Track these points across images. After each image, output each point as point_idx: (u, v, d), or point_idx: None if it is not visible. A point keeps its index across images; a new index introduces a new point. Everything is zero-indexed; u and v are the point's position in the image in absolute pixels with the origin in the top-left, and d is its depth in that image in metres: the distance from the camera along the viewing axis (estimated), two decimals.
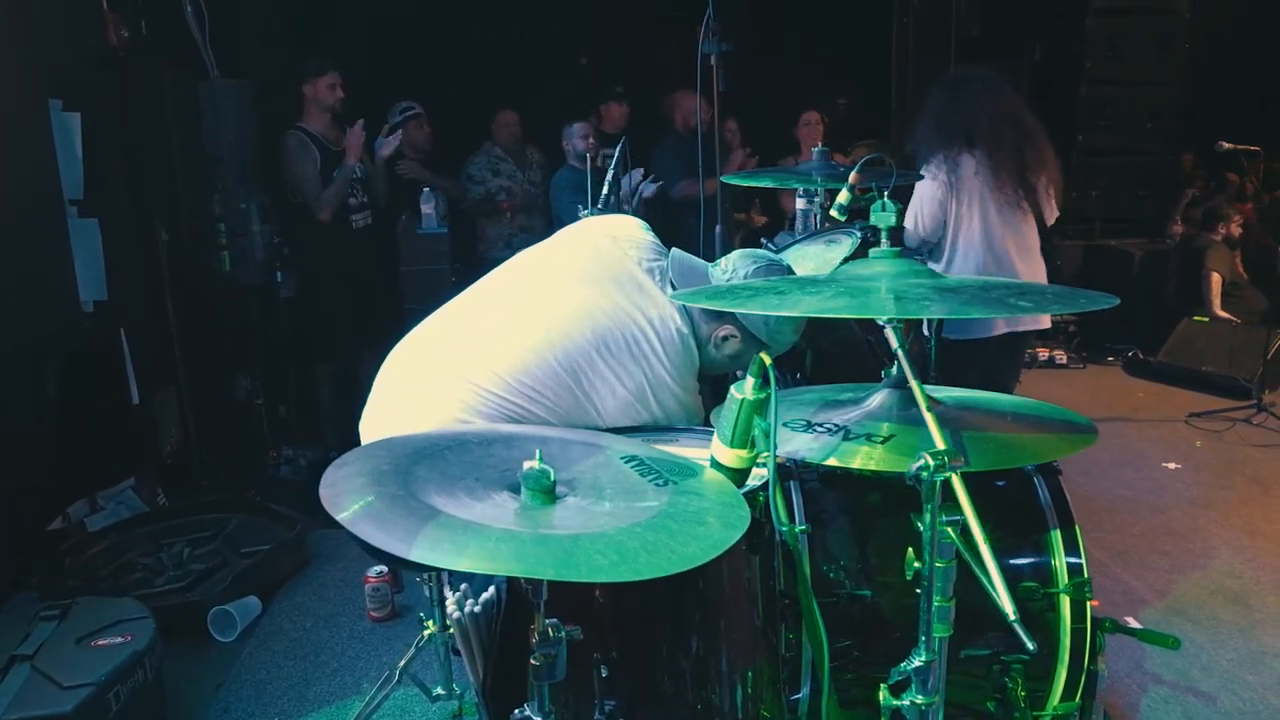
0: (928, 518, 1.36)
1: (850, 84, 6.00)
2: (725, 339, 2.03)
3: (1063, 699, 2.07)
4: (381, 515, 1.20)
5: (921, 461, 1.32)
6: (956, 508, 1.58)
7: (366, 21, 5.52)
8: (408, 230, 5.04)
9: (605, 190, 2.98)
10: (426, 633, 2.39)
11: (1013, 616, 1.24)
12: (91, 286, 3.83)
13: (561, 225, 4.87)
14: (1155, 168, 6.29)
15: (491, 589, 1.80)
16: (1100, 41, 6.08)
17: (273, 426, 5.05)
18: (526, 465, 1.33)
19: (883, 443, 1.63)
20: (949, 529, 1.62)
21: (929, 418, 1.35)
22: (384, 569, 3.14)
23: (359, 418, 4.45)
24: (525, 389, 1.90)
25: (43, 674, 2.36)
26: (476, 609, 1.77)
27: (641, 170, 4.81)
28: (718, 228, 3.07)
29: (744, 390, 1.51)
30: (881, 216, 1.43)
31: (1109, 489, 4.42)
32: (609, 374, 1.91)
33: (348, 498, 1.24)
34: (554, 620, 1.40)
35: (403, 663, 2.39)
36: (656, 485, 1.40)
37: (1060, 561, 2.04)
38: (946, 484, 1.35)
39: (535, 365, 1.90)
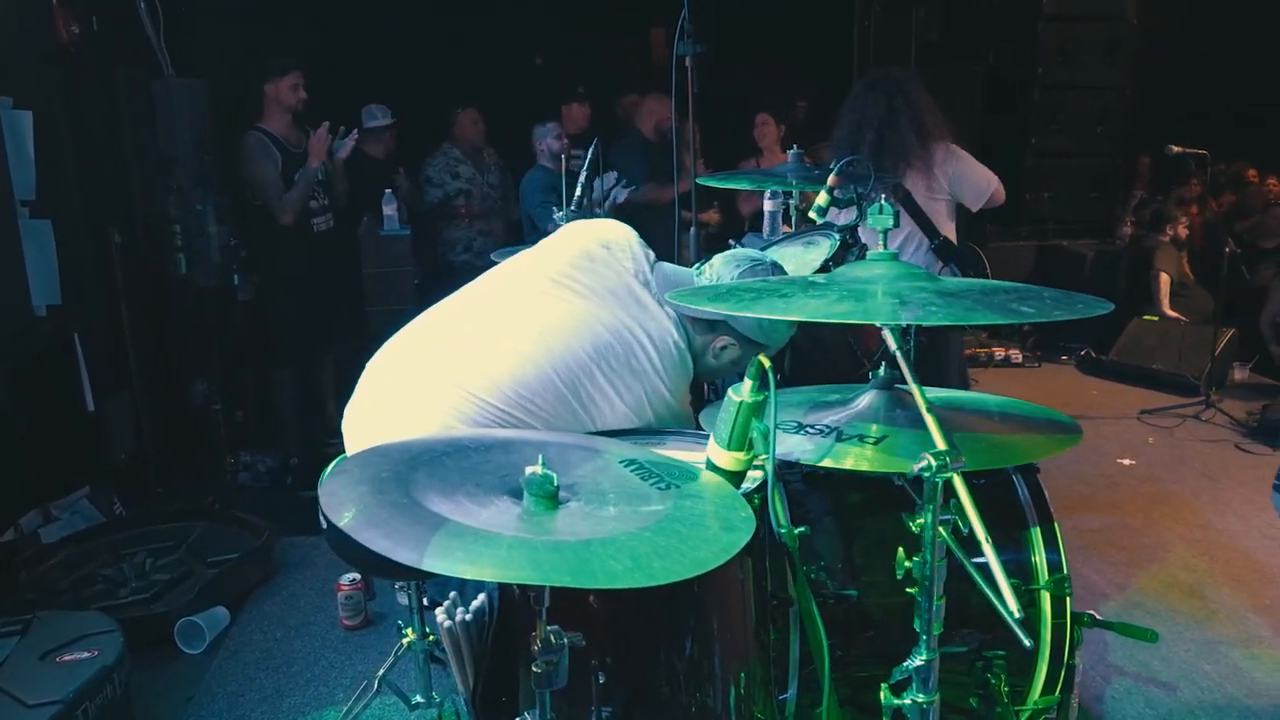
0: (929, 517, 1.37)
1: (810, 86, 6.05)
2: (723, 349, 2.04)
3: (1043, 693, 2.10)
4: (387, 523, 1.17)
5: (924, 462, 1.33)
6: (947, 508, 1.61)
7: (324, 20, 5.44)
8: (370, 232, 4.98)
9: (579, 192, 2.96)
10: (405, 641, 2.35)
11: (1018, 615, 1.25)
12: (44, 290, 3.72)
13: (532, 226, 4.91)
14: (1105, 170, 6.43)
15: (482, 596, 1.77)
16: (1052, 47, 6.21)
17: (230, 432, 4.95)
18: (529, 470, 1.32)
19: (875, 444, 1.65)
20: (941, 528, 1.65)
21: (929, 419, 1.36)
22: (356, 576, 3.09)
23: (320, 422, 4.41)
24: (522, 399, 1.88)
25: (6, 692, 2.28)
26: (467, 617, 1.74)
27: (615, 174, 4.81)
28: (691, 230, 3.07)
29: (741, 393, 1.51)
30: (879, 219, 1.45)
31: (1067, 485, 4.51)
32: (608, 388, 1.91)
33: (351, 505, 1.21)
34: (555, 627, 1.39)
35: (381, 671, 2.35)
36: (659, 489, 1.39)
37: (1040, 558, 2.07)
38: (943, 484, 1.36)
39: (534, 376, 1.88)
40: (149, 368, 4.54)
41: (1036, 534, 2.08)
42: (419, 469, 1.35)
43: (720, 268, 2.05)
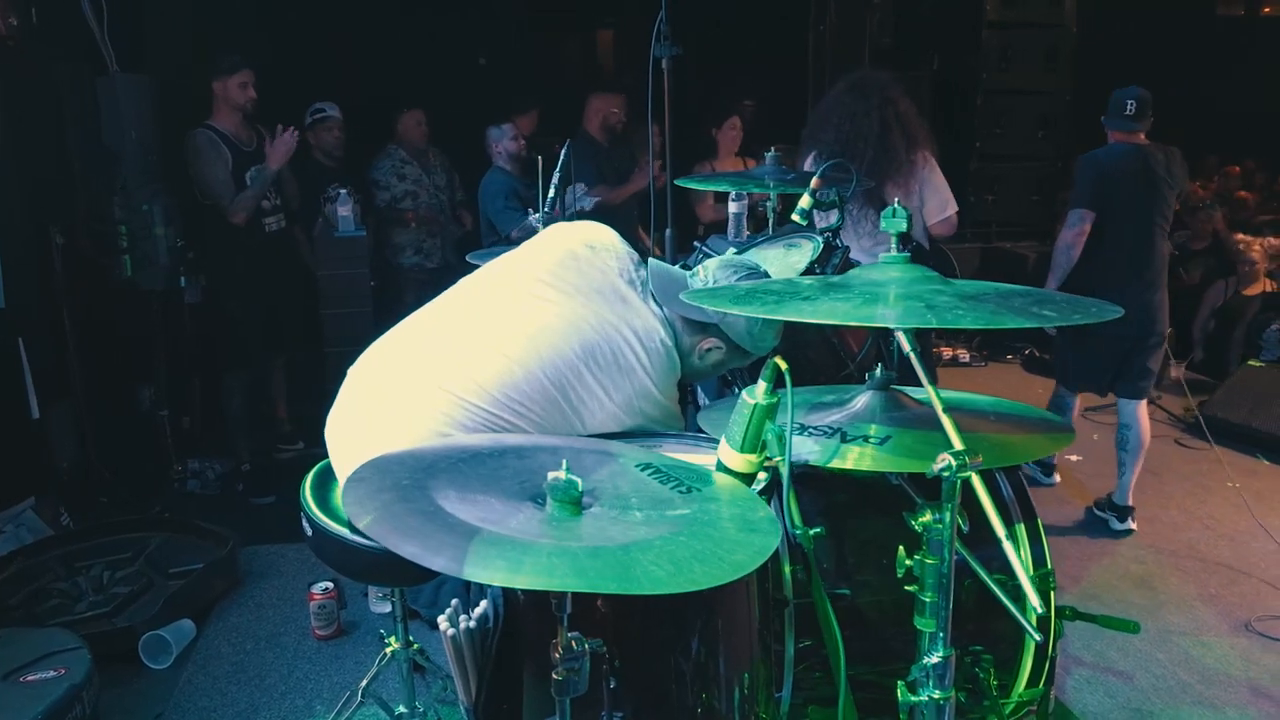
0: (947, 515, 1.39)
1: (765, 87, 6.11)
2: (709, 350, 2.04)
3: (1028, 685, 2.15)
4: (419, 532, 1.15)
5: (944, 461, 1.35)
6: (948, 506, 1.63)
7: (272, 16, 5.33)
8: (325, 233, 4.88)
9: (551, 194, 2.94)
10: (389, 650, 2.30)
11: (1040, 610, 1.28)
12: None
13: (492, 229, 4.85)
14: (1046, 173, 6.61)
15: (484, 603, 1.75)
16: (994, 54, 6.38)
17: (177, 439, 4.81)
18: (552, 476, 1.31)
19: (880, 444, 1.66)
20: (940, 526, 1.67)
21: (945, 420, 1.38)
22: (329, 585, 3.02)
23: (272, 428, 4.31)
24: (511, 402, 1.86)
25: None
26: (471, 624, 1.72)
27: (582, 185, 4.80)
28: (668, 230, 3.07)
29: (756, 395, 1.51)
30: (892, 222, 1.46)
31: None
32: (597, 388, 1.89)
33: (371, 511, 1.18)
34: (576, 634, 1.38)
35: (365, 682, 2.30)
36: (680, 493, 1.39)
37: (1026, 553, 2.13)
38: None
39: (522, 379, 1.86)
40: (92, 373, 4.39)
41: (1021, 530, 2.13)
42: (439, 476, 1.33)
43: (715, 272, 2.05)
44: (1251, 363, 5.40)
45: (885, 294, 1.36)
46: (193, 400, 5.10)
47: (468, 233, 5.55)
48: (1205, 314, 6.33)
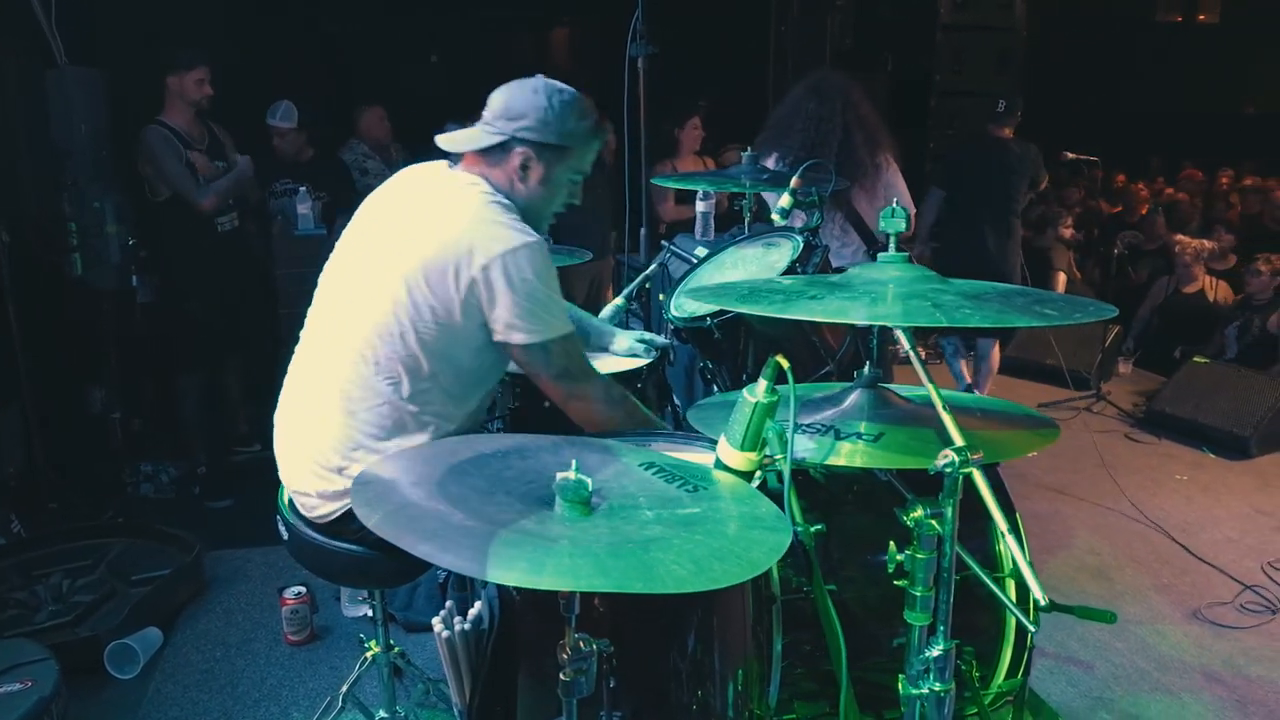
0: (948, 511, 1.41)
1: (726, 87, 6.14)
2: (523, 166, 1.99)
3: (1007, 676, 2.20)
4: (437, 535, 1.14)
5: (948, 457, 1.37)
6: (936, 501, 1.66)
7: (228, 9, 5.22)
8: (284, 232, 4.79)
9: None
10: (370, 654, 2.27)
11: (1044, 603, 1.30)
12: None
13: None
14: None
15: (478, 605, 1.74)
16: (947, 56, 6.49)
17: (130, 442, 4.69)
18: (561, 476, 1.30)
19: (874, 441, 1.68)
20: (933, 521, 1.70)
21: (946, 417, 1.41)
22: (302, 589, 2.96)
23: (229, 429, 4.27)
24: (398, 354, 1.88)
25: None
26: (465, 626, 1.70)
27: None
28: (642, 229, 3.07)
29: (756, 394, 1.52)
30: (891, 222, 1.48)
31: None
32: (468, 307, 1.89)
33: (395, 515, 1.17)
34: (584, 634, 1.37)
35: (345, 687, 2.27)
36: (688, 491, 1.40)
37: (1004, 547, 2.17)
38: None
39: (393, 327, 1.88)
40: (41, 375, 4.25)
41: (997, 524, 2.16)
42: (446, 477, 1.32)
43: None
44: (1197, 359, 5.57)
45: (891, 293, 1.38)
46: (145, 402, 4.97)
47: None
48: (1146, 311, 6.52)
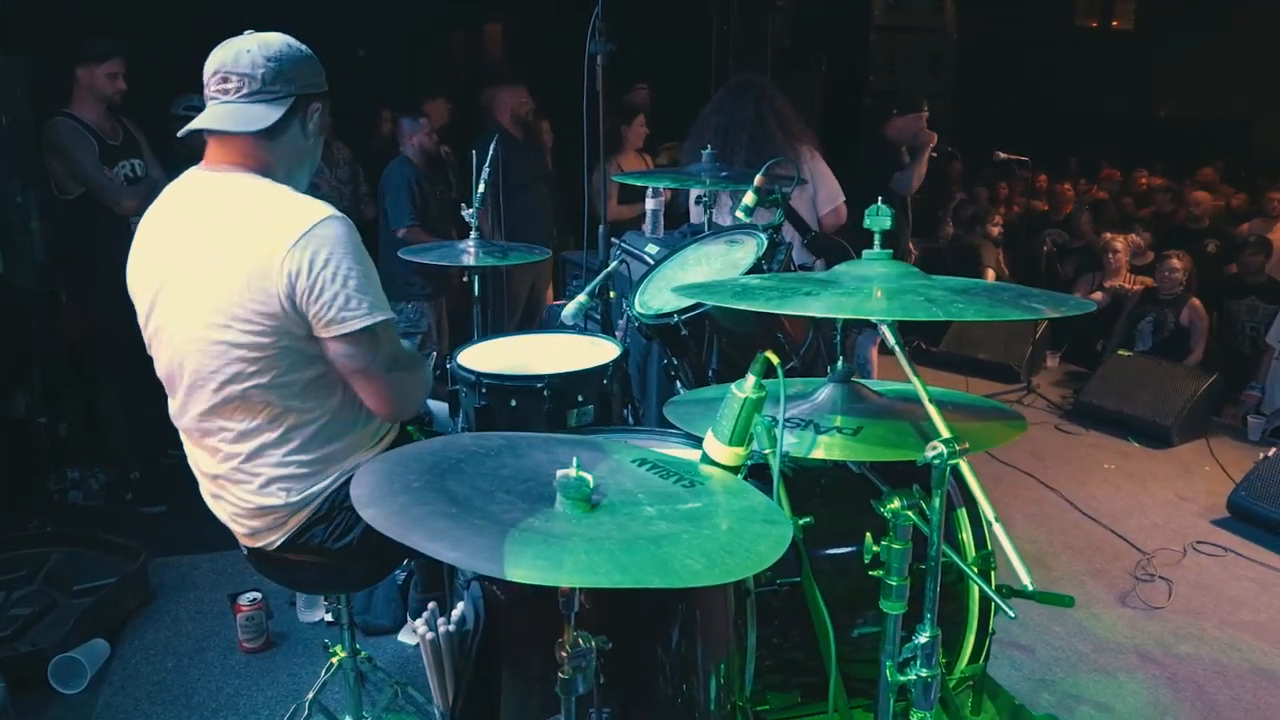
0: (938, 501, 1.45)
1: (668, 85, 6.15)
2: (315, 119, 1.94)
3: (969, 662, 2.26)
4: (448, 535, 1.12)
5: (936, 449, 1.40)
6: (911, 493, 1.70)
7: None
8: None
9: (481, 189, 2.89)
10: (335, 660, 2.23)
11: (1031, 588, 1.35)
12: None
13: (389, 220, 4.74)
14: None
15: (461, 606, 1.72)
16: (881, 57, 6.61)
17: (55, 447, 4.50)
18: (562, 474, 1.30)
19: (853, 434, 1.71)
20: (909, 512, 1.74)
21: (932, 409, 1.44)
22: (257, 595, 2.88)
23: (160, 432, 4.13)
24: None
25: None
26: (450, 628, 1.69)
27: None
28: (601, 227, 3.07)
29: (745, 389, 1.54)
30: (876, 220, 1.51)
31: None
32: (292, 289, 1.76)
33: (402, 516, 1.15)
34: (583, 631, 1.37)
35: (311, 694, 2.22)
36: (685, 487, 1.40)
37: (968, 535, 2.22)
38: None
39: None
40: None
41: (963, 514, 2.22)
42: (446, 476, 1.30)
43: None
44: (1121, 352, 5.79)
45: (883, 289, 1.40)
46: (71, 406, 4.77)
47: (368, 223, 5.40)
48: None
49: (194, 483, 2.02)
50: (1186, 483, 4.83)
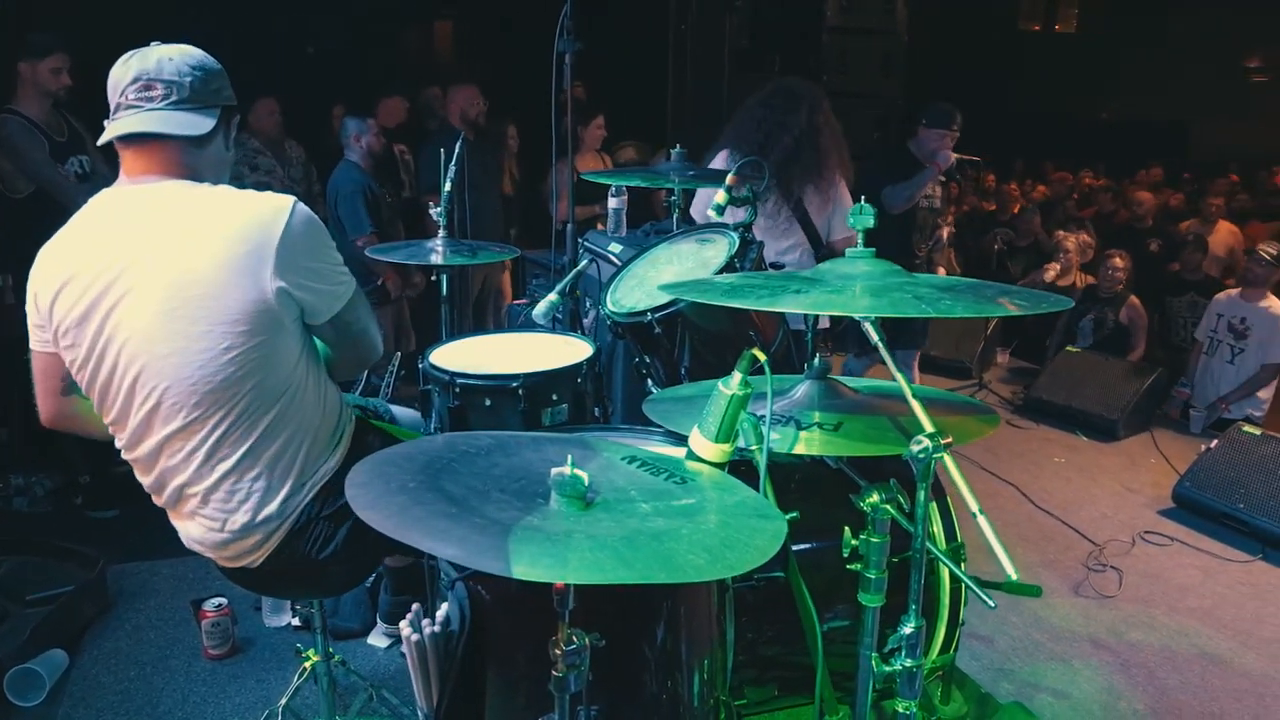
0: (922, 494, 1.48)
1: (626, 84, 6.17)
2: (230, 130, 1.91)
3: (940, 653, 2.30)
4: (449, 534, 1.12)
5: (922, 444, 1.43)
6: (889, 487, 1.73)
7: None
8: None
9: (447, 188, 2.87)
10: (308, 664, 2.20)
11: (1014, 577, 1.38)
12: None
13: (342, 227, 4.68)
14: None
15: (445, 607, 1.71)
16: (833, 58, 6.68)
17: None
18: (556, 472, 1.30)
19: (834, 430, 1.74)
20: (888, 506, 1.77)
21: (915, 404, 1.47)
22: (222, 601, 2.82)
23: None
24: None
25: None
26: (435, 629, 1.68)
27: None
28: (569, 226, 3.06)
29: (731, 386, 1.55)
30: (859, 219, 1.53)
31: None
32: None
33: (403, 517, 1.14)
34: (577, 629, 1.37)
35: (284, 700, 2.19)
36: (676, 483, 1.41)
37: (938, 528, 2.27)
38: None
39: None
40: None
41: (933, 508, 2.27)
42: (440, 477, 1.29)
43: None
44: (1069, 349, 5.93)
45: (870, 286, 1.43)
46: (13, 410, 4.63)
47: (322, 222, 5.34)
48: None
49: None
50: (1133, 475, 4.97)
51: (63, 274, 1.74)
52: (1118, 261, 6.10)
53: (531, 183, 5.95)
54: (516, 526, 1.16)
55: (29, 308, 1.84)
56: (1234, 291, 5.68)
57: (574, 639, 1.36)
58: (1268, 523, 4.10)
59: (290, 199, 1.76)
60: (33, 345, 1.87)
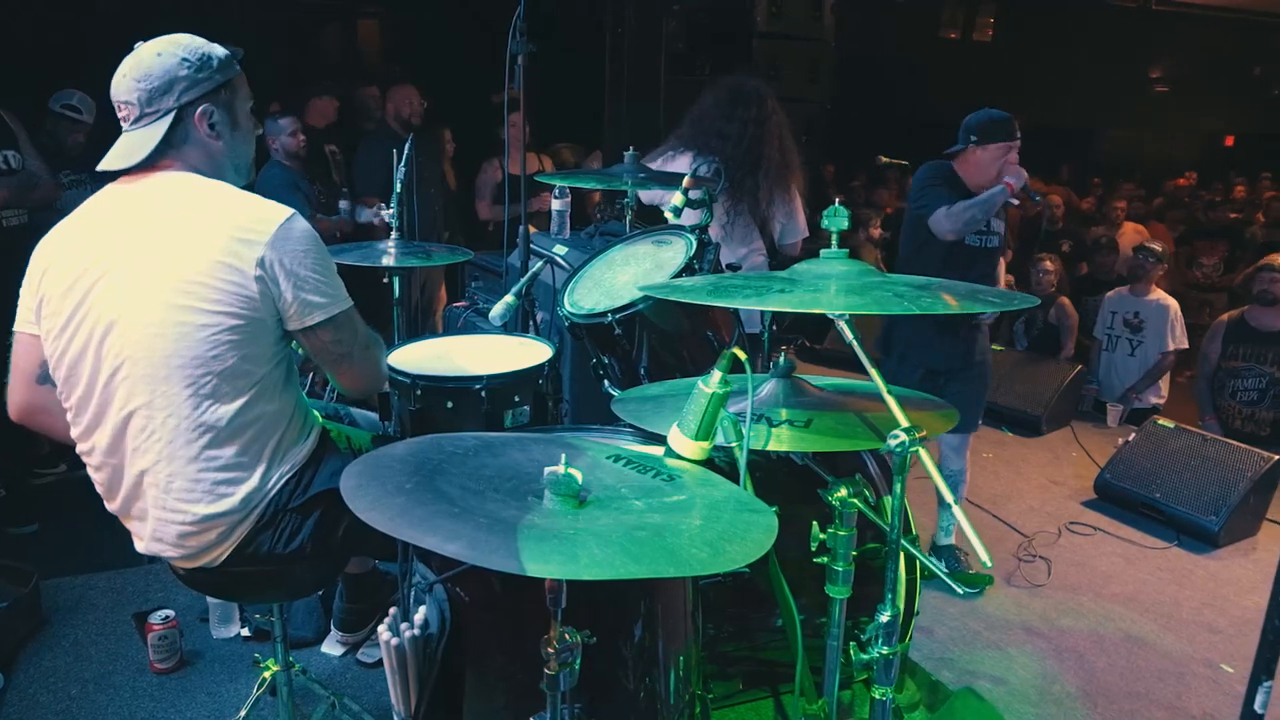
0: (898, 487, 1.53)
1: (561, 86, 6.16)
2: (212, 124, 1.89)
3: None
4: (457, 533, 1.12)
5: (899, 438, 1.48)
6: (854, 480, 1.79)
7: None
8: None
9: (398, 189, 2.84)
10: (268, 674, 2.16)
11: (989, 565, 1.44)
12: None
13: None
14: (810, 178, 7.11)
15: (424, 610, 1.70)
16: (763, 63, 6.77)
17: None
18: (550, 471, 1.31)
19: (805, 426, 1.78)
20: (855, 500, 1.83)
21: (891, 400, 1.52)
22: (169, 614, 2.73)
23: (28, 449, 3.89)
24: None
25: None
26: (415, 632, 1.67)
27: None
28: (521, 227, 3.06)
29: (711, 385, 1.58)
30: (834, 220, 1.58)
31: None
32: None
33: (405, 518, 1.14)
34: (569, 627, 1.39)
35: (244, 711, 2.14)
36: (664, 481, 1.43)
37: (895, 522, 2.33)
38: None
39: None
40: None
41: (888, 502, 2.33)
42: (434, 478, 1.29)
43: None
44: (995, 347, 6.13)
45: (853, 285, 1.47)
46: None
47: None
48: None
49: (71, 500, 1.90)
50: (1057, 468, 5.16)
51: (58, 252, 1.82)
52: (1048, 264, 6.31)
53: (462, 185, 5.92)
54: (520, 525, 1.17)
55: (24, 290, 1.88)
56: (1124, 289, 5.96)
57: (566, 637, 1.38)
58: (1182, 511, 4.31)
59: (292, 210, 1.82)
60: (16, 326, 1.90)
